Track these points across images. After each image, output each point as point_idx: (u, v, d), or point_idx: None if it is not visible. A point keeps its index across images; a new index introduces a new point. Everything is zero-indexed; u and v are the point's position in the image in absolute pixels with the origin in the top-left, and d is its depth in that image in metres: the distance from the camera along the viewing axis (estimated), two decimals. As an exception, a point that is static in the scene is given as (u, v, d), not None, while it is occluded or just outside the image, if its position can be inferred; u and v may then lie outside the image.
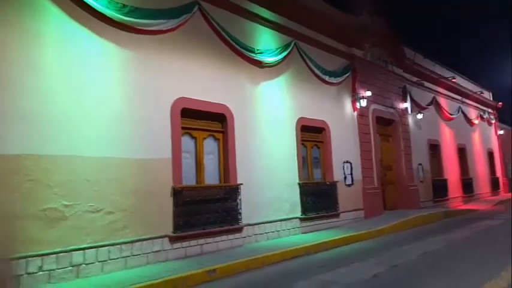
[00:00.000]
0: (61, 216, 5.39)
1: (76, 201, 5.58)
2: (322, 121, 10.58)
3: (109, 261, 5.82)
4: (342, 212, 10.58)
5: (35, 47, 5.50)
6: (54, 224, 5.31)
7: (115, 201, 6.02)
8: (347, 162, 11.23)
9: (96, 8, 6.10)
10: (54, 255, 5.25)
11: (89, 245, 5.63)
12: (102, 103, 6.11)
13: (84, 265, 5.54)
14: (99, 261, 5.70)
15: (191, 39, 7.60)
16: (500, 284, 4.75)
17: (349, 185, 11.14)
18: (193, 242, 6.98)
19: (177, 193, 6.85)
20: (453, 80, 18.82)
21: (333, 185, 10.49)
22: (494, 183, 22.55)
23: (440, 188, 16.19)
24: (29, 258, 5.03)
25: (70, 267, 5.39)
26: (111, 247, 5.87)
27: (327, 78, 10.80)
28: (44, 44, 5.60)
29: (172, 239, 6.68)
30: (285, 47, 9.59)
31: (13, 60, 5.28)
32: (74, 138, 5.70)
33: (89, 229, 5.66)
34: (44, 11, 5.66)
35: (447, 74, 18.63)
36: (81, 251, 5.53)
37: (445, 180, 16.74)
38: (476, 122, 21.13)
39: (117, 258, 5.92)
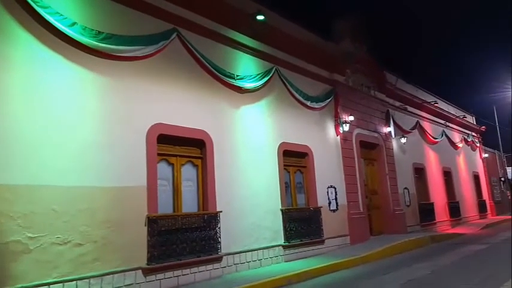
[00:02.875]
0: (24, 249, 5.11)
1: (41, 233, 5.31)
2: (305, 146, 10.52)
3: (76, 297, 5.49)
4: (327, 239, 10.35)
5: (0, 70, 5.36)
6: (16, 258, 5.02)
7: (85, 233, 5.76)
8: (331, 187, 11.11)
9: (69, 34, 6.04)
10: (15, 292, 4.93)
11: (55, 279, 5.32)
12: (73, 130, 5.95)
13: (48, 301, 5.22)
14: (65, 297, 5.38)
15: (169, 65, 7.57)
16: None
17: (333, 211, 10.97)
18: (168, 274, 6.68)
19: (152, 222, 6.60)
20: (435, 105, 19.12)
21: (317, 210, 10.32)
22: (482, 206, 22.57)
23: (427, 211, 16.10)
24: (-14, 296, 4.72)
25: (33, 305, 5.07)
26: (79, 281, 5.56)
27: (308, 103, 10.83)
28: (11, 69, 5.46)
29: (146, 271, 6.38)
30: (266, 72, 9.63)
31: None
32: (40, 166, 5.49)
33: (55, 262, 5.37)
34: (13, 36, 5.56)
35: (430, 98, 18.95)
36: (45, 286, 5.22)
37: (432, 204, 16.68)
38: (460, 145, 21.37)
39: (85, 294, 5.60)
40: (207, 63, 8.17)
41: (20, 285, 4.99)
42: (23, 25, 5.68)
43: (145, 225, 6.52)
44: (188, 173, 7.79)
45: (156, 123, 7.09)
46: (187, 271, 6.96)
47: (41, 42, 5.81)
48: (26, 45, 5.67)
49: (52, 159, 5.63)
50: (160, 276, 6.55)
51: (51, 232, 5.41)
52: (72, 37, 6.08)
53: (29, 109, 5.55)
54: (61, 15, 5.93)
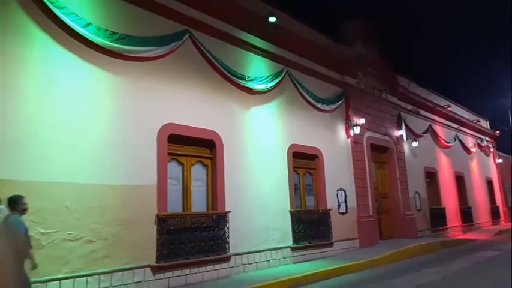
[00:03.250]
0: (37, 245, 5.20)
1: (54, 229, 5.42)
2: (315, 148, 10.50)
3: (86, 292, 5.59)
4: (336, 241, 10.31)
5: (17, 71, 5.51)
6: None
7: (96, 230, 5.86)
8: (341, 189, 11.06)
9: (84, 35, 6.17)
10: (27, 286, 5.02)
11: (66, 275, 5.43)
12: (86, 129, 6.06)
13: (59, 296, 5.32)
14: (75, 293, 5.48)
15: (181, 65, 7.65)
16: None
17: (343, 213, 10.92)
18: (177, 272, 6.74)
19: (162, 221, 6.68)
20: (448, 109, 18.88)
21: (326, 213, 10.28)
22: (495, 213, 22.17)
23: (438, 216, 15.89)
24: (-1, 289, 4.82)
25: (44, 299, 5.17)
26: (89, 277, 5.66)
27: (319, 105, 10.81)
28: (27, 69, 5.60)
29: (155, 269, 6.45)
30: (277, 74, 9.65)
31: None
32: (54, 164, 5.61)
33: (66, 258, 5.48)
34: (30, 36, 5.71)
35: (443, 102, 18.72)
36: (57, 281, 5.33)
37: (443, 209, 16.45)
38: (473, 150, 21.04)
39: (95, 290, 5.68)
40: (218, 64, 8.22)
41: (32, 280, 5.07)
42: (39, 25, 5.81)
43: (154, 224, 6.59)
44: (198, 173, 7.85)
45: (167, 123, 7.17)
46: (195, 270, 7.01)
47: (56, 42, 5.94)
48: (42, 45, 5.80)
49: (64, 157, 5.74)
50: (168, 274, 6.61)
51: (62, 228, 5.52)
52: (87, 37, 6.20)
53: (44, 108, 5.67)
54: (76, 15, 6.06)
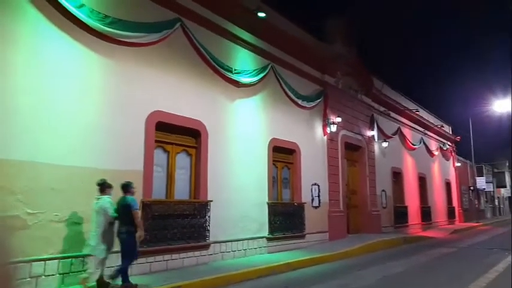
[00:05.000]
0: (23, 225, 5.20)
1: (41, 210, 5.41)
2: (294, 143, 10.85)
3: (71, 274, 5.63)
4: (308, 234, 10.76)
5: (6, 46, 5.37)
6: (14, 233, 5.10)
7: (82, 212, 5.88)
8: (315, 184, 11.51)
9: (77, 15, 6.09)
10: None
11: (51, 255, 5.44)
12: (74, 110, 6.02)
13: (43, 277, 5.34)
14: (60, 274, 5.52)
15: (171, 54, 7.69)
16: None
17: (316, 207, 11.38)
18: (158, 258, 6.88)
19: (146, 207, 6.78)
20: (417, 113, 19.86)
21: (301, 206, 10.70)
22: (451, 213, 23.64)
23: (401, 214, 16.82)
24: (-15, 268, 4.79)
25: (29, 279, 5.19)
26: (74, 259, 5.69)
27: (300, 101, 11.15)
28: (16, 44, 5.48)
29: (139, 253, 6.53)
30: (262, 69, 9.87)
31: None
32: (42, 144, 5.57)
33: (52, 239, 5.49)
34: (21, 11, 5.58)
35: (412, 106, 19.66)
36: (41, 262, 5.33)
37: (406, 207, 17.42)
38: (436, 153, 22.27)
39: (79, 272, 5.73)
40: (207, 55, 8.32)
41: (17, 259, 5.08)
42: (32, 1, 5.68)
43: (139, 209, 6.65)
44: (182, 162, 7.97)
45: (155, 111, 7.22)
46: (176, 256, 7.17)
47: (49, 20, 5.84)
48: (34, 22, 5.68)
49: (52, 138, 5.70)
50: (150, 259, 6.74)
51: (49, 209, 5.51)
52: (80, 18, 6.13)
53: (33, 87, 5.58)
54: (70, -5, 5.97)
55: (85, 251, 5.82)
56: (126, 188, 5.89)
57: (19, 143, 5.32)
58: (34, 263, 5.26)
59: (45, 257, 5.38)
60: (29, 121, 5.46)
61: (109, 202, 5.70)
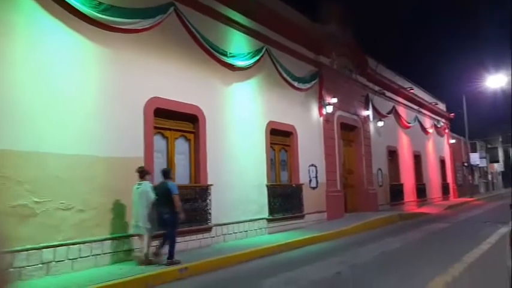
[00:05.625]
0: (31, 213, 5.33)
1: (47, 198, 5.53)
2: (291, 125, 10.96)
3: (79, 259, 5.81)
4: (307, 214, 11.00)
5: (4, 37, 5.38)
6: (24, 221, 5.25)
7: (87, 199, 6.01)
8: (312, 165, 11.69)
9: (71, 3, 6.06)
10: (25, 252, 5.19)
11: (60, 242, 5.59)
12: (74, 99, 6.08)
13: (54, 262, 5.51)
14: (69, 259, 5.69)
15: (166, 39, 7.69)
16: (446, 278, 5.28)
17: (313, 188, 11.60)
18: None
19: (149, 192, 6.90)
20: (411, 91, 19.97)
21: (299, 187, 10.90)
22: (445, 189, 24.09)
23: (396, 192, 17.14)
24: None
25: (40, 265, 5.35)
26: (82, 245, 5.86)
27: (295, 83, 11.21)
28: (14, 35, 5.49)
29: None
30: (257, 51, 9.88)
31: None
32: (45, 134, 5.64)
33: (59, 226, 5.63)
34: (16, 1, 5.55)
35: (406, 84, 19.76)
36: (51, 249, 5.49)
37: (401, 185, 17.74)
38: (430, 131, 22.52)
39: (88, 256, 5.92)
40: (201, 39, 8.32)
41: (28, 246, 5.24)
42: (26, -9, 5.65)
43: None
44: (181, 147, 8.08)
45: (153, 97, 7.28)
46: (179, 239, 7.27)
47: (44, 9, 5.82)
48: (30, 11, 5.67)
49: (54, 128, 5.77)
50: (155, 242, 6.89)
51: (55, 197, 5.63)
52: (74, 6, 6.10)
53: (32, 77, 5.61)
54: (63, -17, 5.93)
55: (132, 231, 6.40)
56: (167, 174, 6.57)
57: (24, 133, 5.39)
58: (44, 250, 5.41)
59: (55, 243, 5.53)
60: (31, 112, 5.52)
61: (150, 187, 6.38)
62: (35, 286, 4.97)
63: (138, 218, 6.23)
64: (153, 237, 6.39)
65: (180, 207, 6.33)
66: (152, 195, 6.32)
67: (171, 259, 6.18)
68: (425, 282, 5.11)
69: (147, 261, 6.16)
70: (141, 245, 6.28)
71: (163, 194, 6.33)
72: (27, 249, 5.24)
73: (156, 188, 6.46)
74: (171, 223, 6.34)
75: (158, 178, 7.25)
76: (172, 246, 6.29)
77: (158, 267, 6.02)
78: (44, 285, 5.04)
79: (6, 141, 5.21)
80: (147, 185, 6.36)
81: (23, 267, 5.19)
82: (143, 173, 6.41)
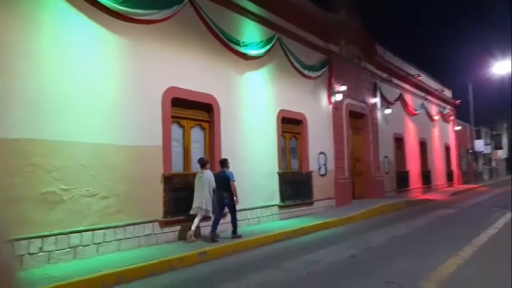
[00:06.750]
0: (59, 200, 5.55)
1: (73, 186, 5.74)
2: (301, 113, 11.10)
3: (104, 243, 6.05)
4: (316, 200, 11.22)
5: (32, 32, 5.53)
6: (53, 207, 5.47)
7: (109, 187, 6.22)
8: (322, 153, 11.86)
9: (93, -5, 6.16)
10: (53, 237, 5.43)
11: (86, 227, 5.83)
12: (97, 91, 6.23)
13: (81, 247, 5.75)
14: (94, 244, 5.93)
15: (181, 30, 7.78)
16: (457, 261, 5.49)
17: (323, 175, 11.79)
18: (181, 227, 7.30)
19: (167, 180, 7.12)
20: (418, 78, 19.97)
21: (309, 174, 11.09)
22: (450, 175, 24.27)
23: (403, 179, 17.34)
24: (31, 240, 5.19)
25: (68, 249, 5.59)
26: (106, 230, 6.10)
27: (306, 72, 11.29)
28: (41, 30, 5.63)
29: (162, 224, 6.98)
30: (269, 40, 9.95)
31: (13, 45, 5.31)
32: (71, 124, 5.82)
33: (85, 213, 5.86)
34: (44, -3, 5.68)
35: (413, 71, 19.75)
36: (78, 234, 5.73)
37: (407, 172, 17.92)
38: (436, 118, 22.57)
39: (111, 241, 6.16)
40: (216, 29, 8.41)
41: (56, 231, 5.47)
42: (49, -16, 5.76)
43: (161, 182, 7.03)
44: (196, 135, 8.25)
45: (170, 87, 7.42)
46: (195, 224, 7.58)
47: (68, 3, 5.93)
48: (55, 6, 5.79)
49: (79, 118, 5.94)
50: (174, 228, 7.17)
51: (80, 185, 5.84)
52: (96, -1, 6.20)
53: (59, 69, 5.77)
54: (85, -25, 6.02)
55: (192, 212, 7.18)
56: (225, 163, 7.50)
57: (51, 123, 5.57)
58: (71, 235, 5.64)
59: (81, 229, 5.76)
60: (58, 103, 5.69)
61: (211, 175, 7.30)
62: (65, 269, 5.21)
63: (199, 201, 7.09)
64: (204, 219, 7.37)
65: (236, 192, 7.34)
66: (213, 183, 7.21)
67: (234, 234, 7.32)
68: (438, 263, 5.32)
69: (192, 240, 6.91)
70: (197, 225, 7.09)
71: (222, 181, 7.27)
72: (55, 234, 5.47)
73: (215, 176, 7.34)
74: (231, 206, 7.38)
75: (176, 166, 7.50)
76: (235, 224, 7.38)
77: (206, 244, 6.82)
78: (74, 269, 5.27)
79: (35, 131, 5.40)
80: (209, 174, 7.27)
81: (52, 251, 5.43)
82: (204, 163, 7.31)
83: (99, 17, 6.32)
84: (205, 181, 7.17)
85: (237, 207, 7.69)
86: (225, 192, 7.30)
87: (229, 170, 7.48)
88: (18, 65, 5.34)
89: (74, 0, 5.98)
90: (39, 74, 5.51)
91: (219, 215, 7.35)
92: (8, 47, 5.26)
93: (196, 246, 6.64)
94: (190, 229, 7.03)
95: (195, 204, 7.15)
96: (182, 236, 7.21)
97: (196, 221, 7.09)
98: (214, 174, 7.43)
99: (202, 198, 7.11)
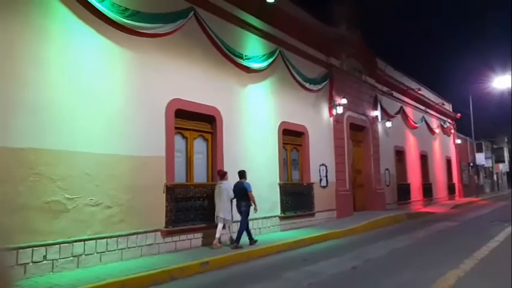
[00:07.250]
0: (63, 209, 5.63)
1: (77, 195, 5.82)
2: (302, 126, 11.21)
3: (107, 252, 6.10)
4: (317, 212, 11.25)
5: (40, 42, 5.68)
6: (57, 216, 5.55)
7: (113, 196, 6.30)
8: (323, 165, 11.94)
9: (99, 9, 6.35)
10: (57, 246, 5.49)
11: (89, 236, 5.89)
12: (102, 101, 6.36)
13: (84, 256, 5.80)
14: (97, 253, 5.98)
15: (186, 43, 7.96)
16: (458, 273, 5.51)
17: (324, 187, 11.84)
18: (183, 237, 7.35)
19: (170, 190, 7.20)
20: (419, 92, 20.15)
21: (310, 186, 11.15)
22: (451, 188, 24.24)
23: (404, 191, 17.35)
24: (35, 248, 5.25)
25: (71, 258, 5.65)
26: (109, 239, 6.15)
27: (307, 85, 11.45)
28: (49, 40, 5.78)
29: (164, 233, 7.03)
30: (271, 54, 10.13)
31: (19, 54, 5.45)
32: (75, 134, 5.93)
33: (89, 222, 5.92)
34: (51, 8, 5.85)
35: (414, 85, 19.93)
36: (81, 243, 5.79)
37: (408, 185, 17.94)
38: (437, 131, 22.68)
39: (114, 250, 6.21)
40: (219, 43, 8.58)
41: (60, 240, 5.54)
42: (60, -2, 5.94)
43: (163, 192, 7.10)
44: (199, 146, 8.36)
45: (174, 99, 7.55)
46: (198, 235, 7.65)
47: (76, 16, 6.10)
48: (63, 18, 5.96)
49: (84, 128, 6.05)
50: (176, 238, 7.22)
51: (85, 194, 5.92)
52: (103, 12, 6.38)
53: (65, 79, 5.91)
54: (93, -10, 6.21)
55: (216, 221, 7.60)
56: (243, 175, 8.00)
57: (56, 133, 5.68)
58: (75, 244, 5.70)
59: (84, 237, 5.82)
60: (63, 113, 5.80)
61: (230, 185, 7.78)
62: (68, 277, 5.25)
63: (219, 210, 7.55)
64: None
65: (254, 201, 7.83)
66: (231, 192, 7.69)
67: (251, 240, 7.81)
68: (438, 275, 5.34)
69: (217, 246, 7.34)
70: (222, 232, 7.54)
71: (240, 191, 7.77)
72: (59, 243, 5.53)
73: (234, 187, 7.81)
74: (247, 213, 7.78)
75: (178, 177, 7.58)
76: (241, 233, 7.61)
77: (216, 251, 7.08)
78: (78, 277, 5.31)
79: (40, 140, 5.50)
80: (227, 184, 7.75)
81: (56, 259, 5.49)
82: (223, 174, 7.80)
83: (105, 30, 6.50)
84: (223, 191, 7.60)
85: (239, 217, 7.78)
86: (243, 201, 7.78)
87: (247, 181, 7.99)
88: (25, 74, 5.47)
89: (81, 13, 6.16)
90: (45, 84, 5.65)
91: (243, 223, 7.72)
92: (16, 55, 5.40)
93: (218, 252, 6.98)
94: (214, 238, 7.51)
95: (216, 213, 7.62)
96: (183, 246, 7.26)
97: (219, 228, 7.51)
98: (233, 184, 7.90)
99: (221, 207, 7.54)
